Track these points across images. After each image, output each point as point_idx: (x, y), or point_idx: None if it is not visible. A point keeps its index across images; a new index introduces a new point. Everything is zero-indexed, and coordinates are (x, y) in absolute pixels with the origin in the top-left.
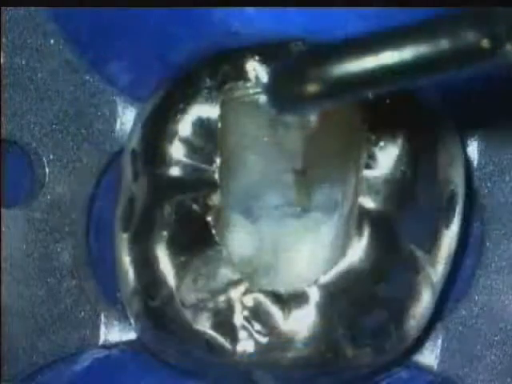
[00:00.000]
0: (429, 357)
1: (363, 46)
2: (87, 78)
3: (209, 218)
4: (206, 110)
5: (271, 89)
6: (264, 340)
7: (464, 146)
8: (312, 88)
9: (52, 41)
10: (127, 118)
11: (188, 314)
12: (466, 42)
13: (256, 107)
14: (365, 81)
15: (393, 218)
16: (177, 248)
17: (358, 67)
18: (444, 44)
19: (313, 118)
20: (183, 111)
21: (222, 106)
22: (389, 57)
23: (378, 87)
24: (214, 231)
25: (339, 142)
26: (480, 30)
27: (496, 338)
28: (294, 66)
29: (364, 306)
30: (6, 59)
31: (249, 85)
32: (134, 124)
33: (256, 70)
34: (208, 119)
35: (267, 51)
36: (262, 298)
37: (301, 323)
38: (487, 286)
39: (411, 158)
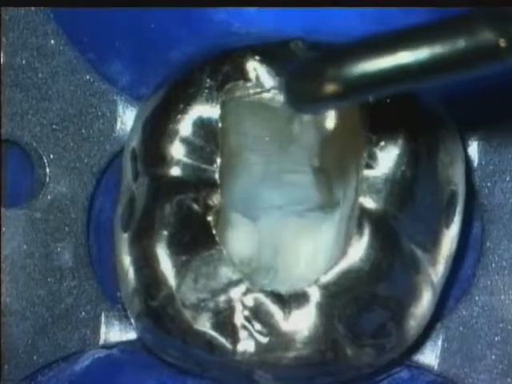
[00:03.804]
0: (429, 357)
1: (380, 46)
2: (87, 77)
3: (209, 218)
4: (206, 110)
5: (289, 88)
6: (264, 340)
7: (464, 146)
8: (330, 88)
9: (52, 41)
10: (127, 117)
11: (188, 314)
12: (482, 42)
13: (257, 107)
14: (382, 81)
15: (393, 218)
16: (177, 248)
17: (375, 67)
18: (461, 43)
19: (329, 117)
20: (184, 111)
21: (223, 106)
22: (405, 56)
23: (394, 87)
24: (214, 231)
25: (339, 141)
26: (497, 30)
27: (496, 338)
28: (311, 66)
29: (364, 305)
30: (6, 59)
31: (249, 85)
32: (135, 124)
33: (256, 69)
34: (209, 119)
35: (268, 51)
36: (262, 297)
37: (301, 323)
38: (487, 285)
39: (412, 158)
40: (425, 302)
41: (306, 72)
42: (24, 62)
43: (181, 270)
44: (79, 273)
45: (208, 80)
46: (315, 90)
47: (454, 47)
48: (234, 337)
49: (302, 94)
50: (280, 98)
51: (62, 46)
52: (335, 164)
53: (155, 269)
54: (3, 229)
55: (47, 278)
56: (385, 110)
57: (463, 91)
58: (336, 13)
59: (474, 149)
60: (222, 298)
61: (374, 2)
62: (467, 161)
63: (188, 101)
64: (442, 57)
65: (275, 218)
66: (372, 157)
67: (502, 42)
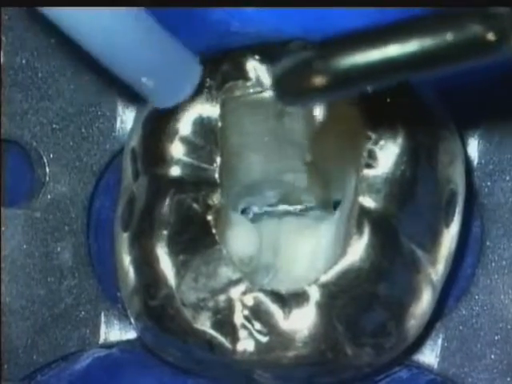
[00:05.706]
0: (429, 356)
1: (369, 39)
2: (87, 77)
3: (209, 218)
4: (206, 109)
5: (278, 81)
6: (264, 339)
7: (464, 145)
8: (318, 80)
9: (52, 40)
10: (127, 117)
11: (188, 313)
12: (471, 35)
13: (256, 106)
14: (370, 73)
15: (393, 217)
16: (177, 247)
17: (364, 59)
18: (449, 37)
19: (319, 109)
20: (183, 110)
21: (223, 106)
22: (394, 49)
23: (383, 79)
24: (214, 230)
25: (338, 140)
26: (486, 23)
27: (496, 338)
28: (300, 59)
29: (364, 305)
30: (6, 59)
31: (249, 84)
32: (134, 123)
33: (256, 69)
34: (208, 118)
35: (267, 50)
36: (262, 297)
37: (301, 322)
38: (487, 285)
39: (411, 157)
40: (425, 301)
41: (295, 65)
42: (24, 61)
43: (181, 269)
44: (79, 272)
45: (208, 79)
46: (303, 82)
47: (442, 40)
48: (233, 336)
49: (291, 86)
50: None
51: (61, 45)
52: (331, 161)
53: (155, 268)
54: (3, 228)
55: (47, 278)
56: (384, 108)
57: (463, 90)
58: (336, 13)
59: (473, 148)
60: (222, 297)
61: (373, 2)
62: (467, 160)
63: (187, 100)
64: (430, 50)
65: (275, 218)
66: (372, 156)
67: (491, 36)
